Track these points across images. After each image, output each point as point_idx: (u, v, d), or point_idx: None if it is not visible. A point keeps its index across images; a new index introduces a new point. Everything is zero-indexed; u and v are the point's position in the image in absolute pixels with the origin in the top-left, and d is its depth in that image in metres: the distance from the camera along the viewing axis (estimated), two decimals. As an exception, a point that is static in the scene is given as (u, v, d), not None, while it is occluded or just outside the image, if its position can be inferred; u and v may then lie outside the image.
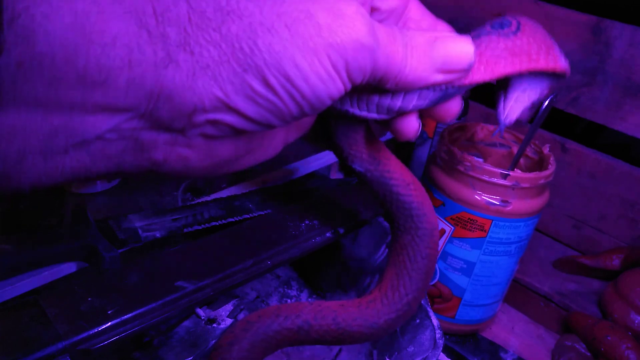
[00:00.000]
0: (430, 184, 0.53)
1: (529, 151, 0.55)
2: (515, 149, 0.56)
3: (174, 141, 0.24)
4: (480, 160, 0.53)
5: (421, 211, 0.33)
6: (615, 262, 0.61)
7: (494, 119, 0.71)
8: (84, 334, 0.30)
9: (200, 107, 0.22)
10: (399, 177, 0.33)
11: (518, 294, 0.63)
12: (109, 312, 0.31)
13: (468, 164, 0.48)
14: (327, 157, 0.59)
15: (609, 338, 0.52)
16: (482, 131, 0.57)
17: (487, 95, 0.72)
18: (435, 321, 0.42)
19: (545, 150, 0.53)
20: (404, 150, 0.82)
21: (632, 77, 0.59)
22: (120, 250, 0.38)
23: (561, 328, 0.60)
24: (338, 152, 0.34)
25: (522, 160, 0.56)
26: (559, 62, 0.29)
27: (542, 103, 0.48)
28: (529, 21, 0.29)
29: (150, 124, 0.23)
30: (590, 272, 0.63)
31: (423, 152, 0.71)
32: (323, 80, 0.23)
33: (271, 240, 0.40)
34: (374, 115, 0.29)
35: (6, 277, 0.36)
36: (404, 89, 0.27)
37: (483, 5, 0.69)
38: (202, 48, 0.22)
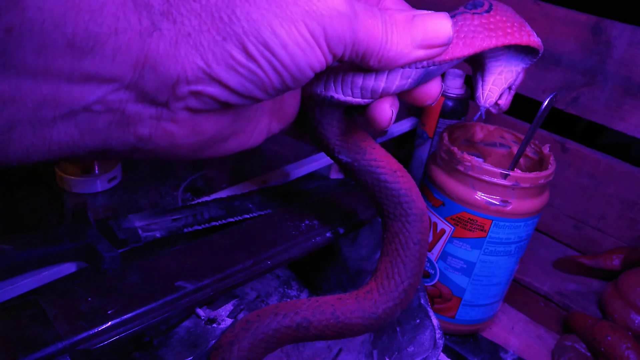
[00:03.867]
0: (430, 184, 0.53)
1: (529, 151, 0.55)
2: (515, 149, 0.56)
3: (159, 115, 0.24)
4: (480, 160, 0.53)
5: (409, 197, 0.33)
6: (615, 262, 0.61)
7: (494, 119, 0.71)
8: (84, 334, 0.30)
9: (183, 77, 0.23)
10: (386, 165, 0.34)
11: (518, 294, 0.63)
12: (109, 312, 0.31)
13: (468, 164, 0.48)
14: (327, 158, 0.59)
15: (609, 338, 0.52)
16: (482, 131, 0.57)
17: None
18: (435, 321, 0.42)
19: (545, 150, 0.53)
20: (404, 150, 0.82)
21: (632, 77, 0.59)
22: (120, 250, 0.38)
23: (561, 328, 0.60)
24: (324, 144, 0.34)
25: (522, 160, 0.56)
26: (532, 37, 0.29)
27: (541, 103, 0.48)
28: (500, 2, 0.30)
29: (136, 96, 0.23)
30: (590, 272, 0.63)
31: (423, 152, 0.71)
32: (302, 48, 0.24)
33: (271, 240, 0.40)
34: (358, 100, 0.29)
35: (6, 277, 0.36)
36: (387, 65, 0.27)
37: (483, 5, 0.68)
38: (184, 17, 0.22)
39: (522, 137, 0.54)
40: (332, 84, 0.29)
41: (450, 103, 0.66)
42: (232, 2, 0.22)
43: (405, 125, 0.74)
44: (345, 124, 0.33)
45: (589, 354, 0.54)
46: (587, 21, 0.61)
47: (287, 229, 0.42)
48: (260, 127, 0.31)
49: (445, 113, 0.66)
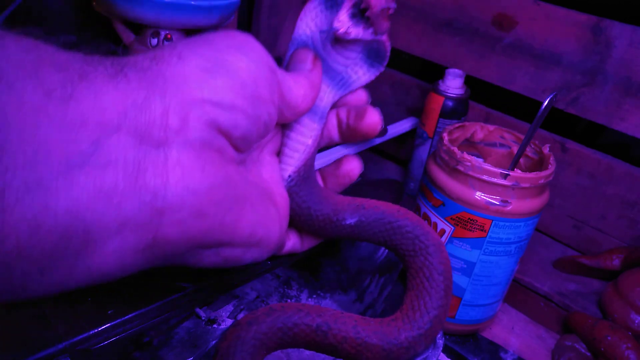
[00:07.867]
0: (430, 184, 0.53)
1: (529, 151, 0.55)
2: (515, 149, 0.56)
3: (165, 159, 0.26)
4: (480, 160, 0.53)
5: (423, 229, 0.34)
6: (615, 262, 0.61)
7: (494, 119, 0.71)
8: (84, 334, 0.30)
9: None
10: (387, 208, 0.35)
11: (518, 294, 0.63)
12: (109, 312, 0.31)
13: (468, 164, 0.48)
14: (329, 157, 0.59)
15: (609, 338, 0.52)
16: (482, 131, 0.57)
17: (487, 95, 0.73)
18: (435, 321, 0.42)
19: (545, 150, 0.53)
20: (404, 150, 0.82)
21: (632, 77, 0.59)
22: (120, 250, 0.38)
23: (561, 328, 0.60)
24: (327, 222, 0.35)
25: (522, 160, 0.56)
26: None
27: (541, 103, 0.48)
28: None
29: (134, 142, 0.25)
30: (590, 272, 0.63)
31: (423, 152, 0.71)
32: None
33: (271, 240, 0.40)
34: (301, 147, 0.34)
35: (6, 277, 0.36)
36: (304, 109, 0.32)
37: (483, 5, 0.69)
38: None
39: (522, 137, 0.54)
40: (281, 159, 0.34)
41: (450, 103, 0.66)
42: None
43: (405, 125, 0.74)
44: (330, 195, 0.35)
45: (589, 354, 0.54)
46: (587, 21, 0.61)
47: (287, 229, 0.42)
48: (271, 233, 0.32)
49: (445, 113, 0.66)
